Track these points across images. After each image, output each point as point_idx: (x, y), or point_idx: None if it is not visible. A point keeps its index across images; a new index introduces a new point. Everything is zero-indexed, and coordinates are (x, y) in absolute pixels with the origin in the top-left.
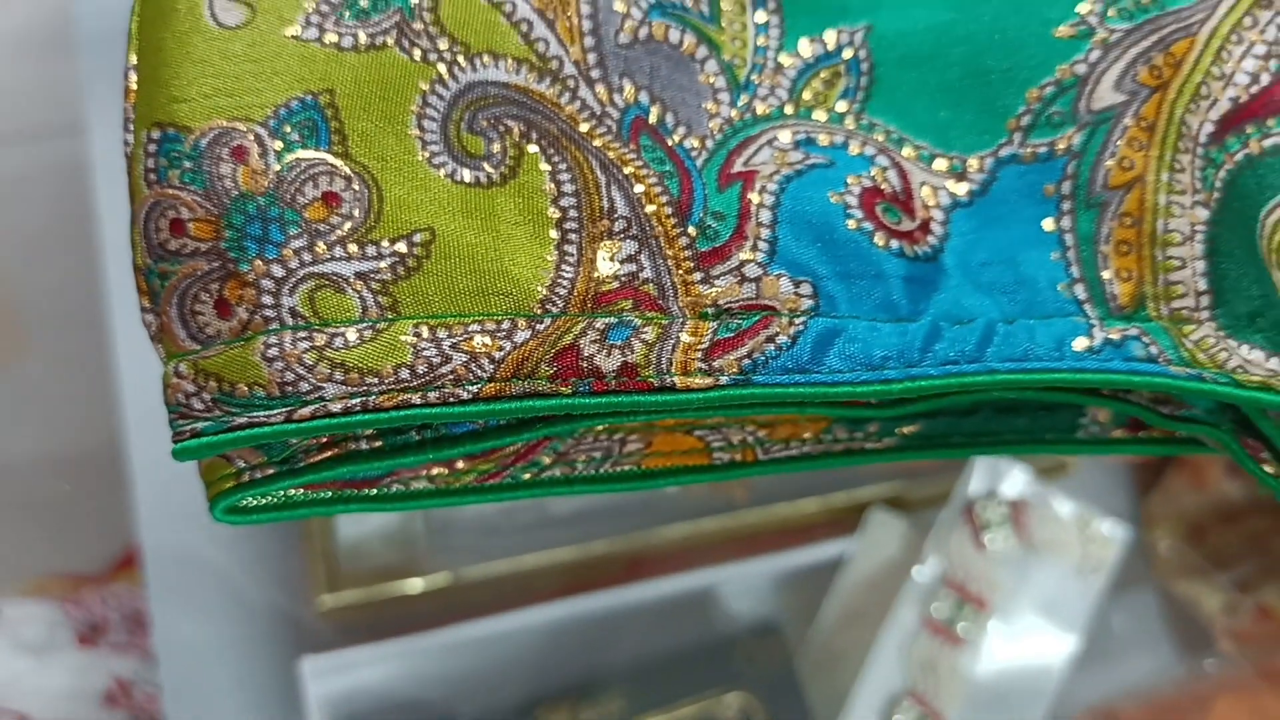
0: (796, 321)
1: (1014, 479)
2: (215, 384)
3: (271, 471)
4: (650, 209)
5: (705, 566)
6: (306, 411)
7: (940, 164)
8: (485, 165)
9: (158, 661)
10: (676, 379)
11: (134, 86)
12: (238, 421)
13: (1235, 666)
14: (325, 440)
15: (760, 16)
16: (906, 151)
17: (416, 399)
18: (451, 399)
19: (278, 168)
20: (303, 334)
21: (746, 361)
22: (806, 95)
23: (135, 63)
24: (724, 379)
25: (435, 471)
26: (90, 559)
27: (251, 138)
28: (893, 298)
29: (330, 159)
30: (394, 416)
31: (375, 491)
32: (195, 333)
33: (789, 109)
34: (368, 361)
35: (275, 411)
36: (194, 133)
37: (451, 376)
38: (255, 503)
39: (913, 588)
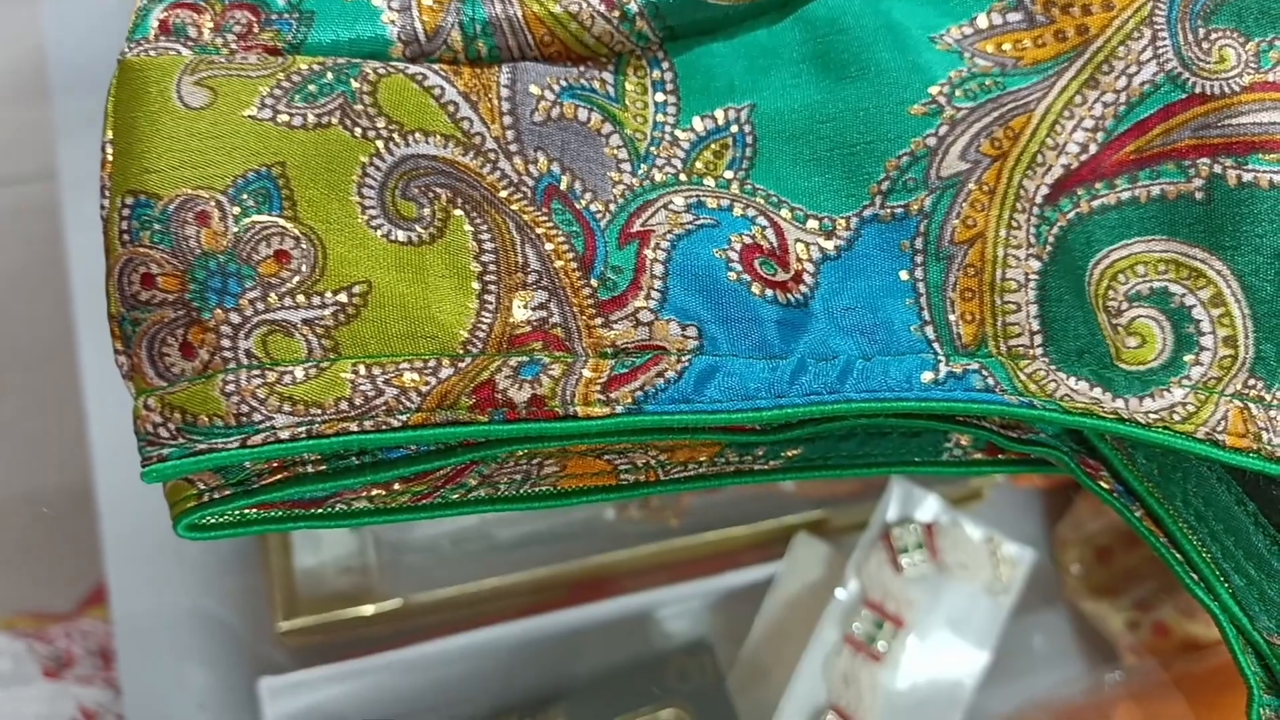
0: (683, 359)
1: (928, 506)
2: (180, 415)
3: (229, 492)
4: (559, 264)
5: (642, 590)
6: (259, 439)
7: (812, 224)
8: (416, 226)
9: (122, 691)
10: (579, 409)
11: (110, 158)
12: (199, 447)
13: (1137, 678)
14: (276, 464)
15: (659, 97)
16: (784, 213)
17: (354, 426)
18: (384, 426)
19: (235, 230)
20: (256, 372)
21: (639, 393)
22: (699, 165)
23: (111, 138)
24: (619, 409)
25: (374, 493)
26: (59, 597)
27: (213, 204)
28: (766, 338)
29: (281, 222)
30: (335, 442)
31: (321, 511)
32: (163, 371)
33: (683, 176)
34: (312, 395)
35: (232, 438)
36: (163, 199)
37: (384, 408)
38: (214, 521)
39: (835, 607)
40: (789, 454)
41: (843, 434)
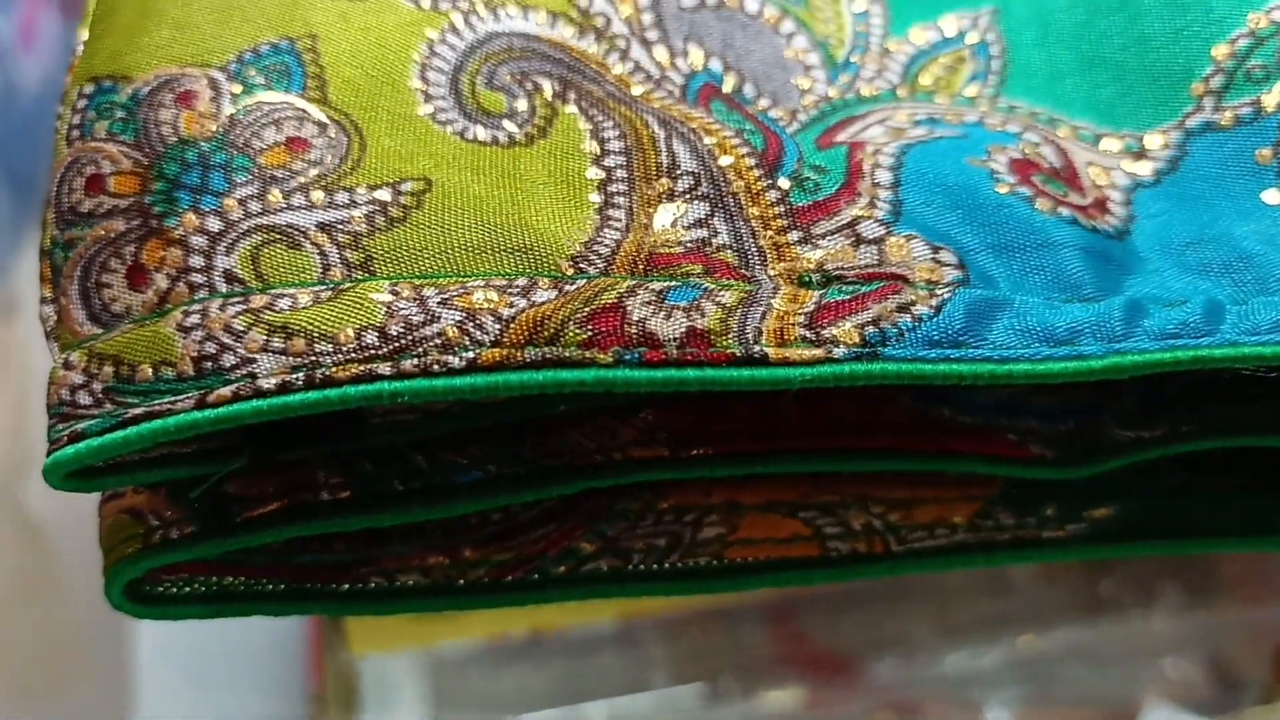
0: (939, 293)
1: None
2: (111, 369)
3: (191, 530)
4: (727, 160)
5: None
6: (227, 391)
7: (1109, 144)
8: (506, 124)
9: None
10: (769, 349)
11: (77, 53)
12: (132, 413)
13: None
14: (271, 487)
15: (857, 6)
16: (1062, 132)
17: (385, 369)
18: (435, 368)
19: (231, 111)
20: (237, 300)
21: (871, 330)
22: (924, 80)
23: (84, 36)
24: (839, 351)
25: (433, 561)
26: None
27: (204, 82)
28: (1068, 271)
29: (301, 103)
30: (350, 394)
31: (346, 588)
32: (98, 311)
33: (902, 92)
34: (321, 324)
35: (185, 395)
36: (135, 82)
37: (438, 341)
38: (175, 588)
39: None
40: (1095, 514)
41: (1179, 486)
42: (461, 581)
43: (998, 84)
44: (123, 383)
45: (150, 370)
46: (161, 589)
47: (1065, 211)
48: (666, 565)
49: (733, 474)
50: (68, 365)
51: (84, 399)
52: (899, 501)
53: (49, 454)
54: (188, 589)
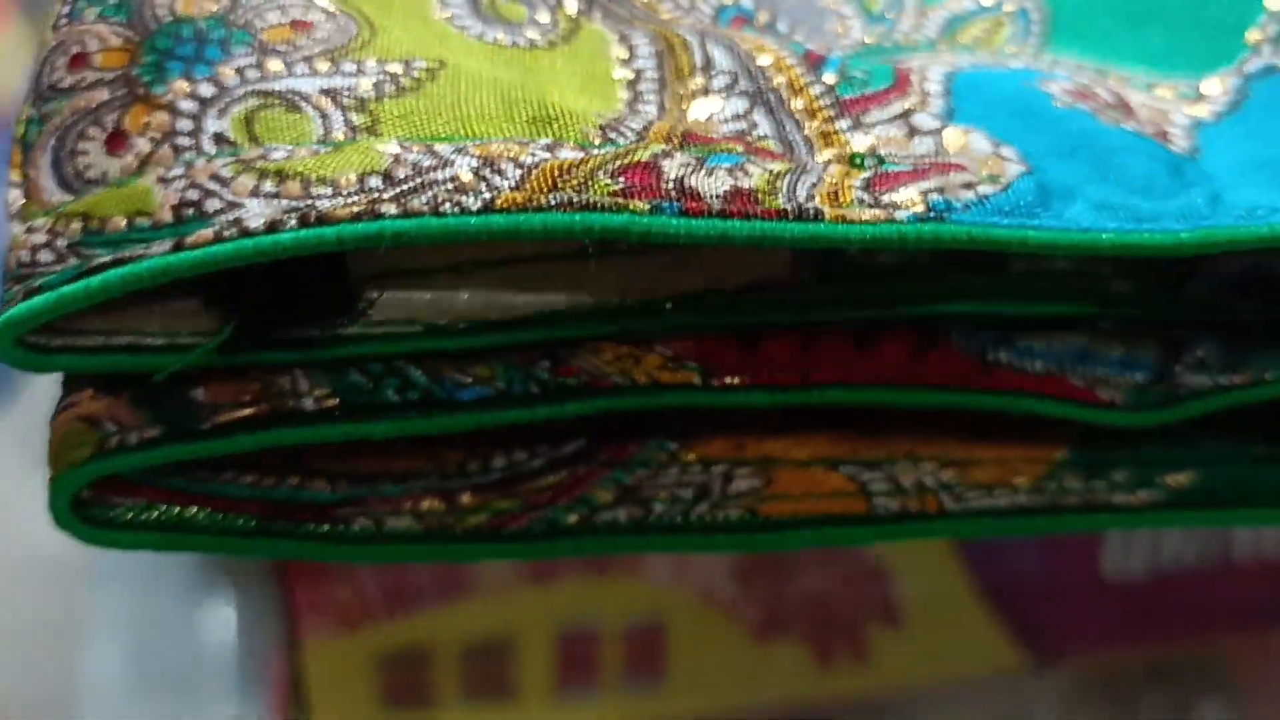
0: (1004, 181)
1: None
2: (80, 225)
3: (153, 434)
4: (765, 60)
5: None
6: (209, 233)
7: (1163, 92)
8: (528, 31)
9: None
10: (825, 208)
11: None
12: (98, 261)
13: None
14: (250, 393)
15: None
16: (1112, 80)
17: (391, 208)
18: (447, 207)
19: None
20: (226, 160)
21: (936, 198)
22: (963, 39)
23: None
24: (901, 214)
25: (427, 506)
26: None
27: None
28: (1144, 174)
29: None
30: (348, 232)
31: (326, 528)
32: (70, 179)
33: (942, 46)
34: (320, 169)
35: (161, 240)
36: None
37: (450, 185)
38: (131, 514)
39: None
40: (1171, 480)
41: (1264, 454)
42: (458, 529)
43: (1039, 44)
44: (91, 236)
45: (124, 221)
46: (113, 514)
47: (1130, 125)
48: (693, 518)
49: (770, 403)
50: (30, 230)
51: (45, 256)
52: (954, 460)
53: None
54: (143, 515)
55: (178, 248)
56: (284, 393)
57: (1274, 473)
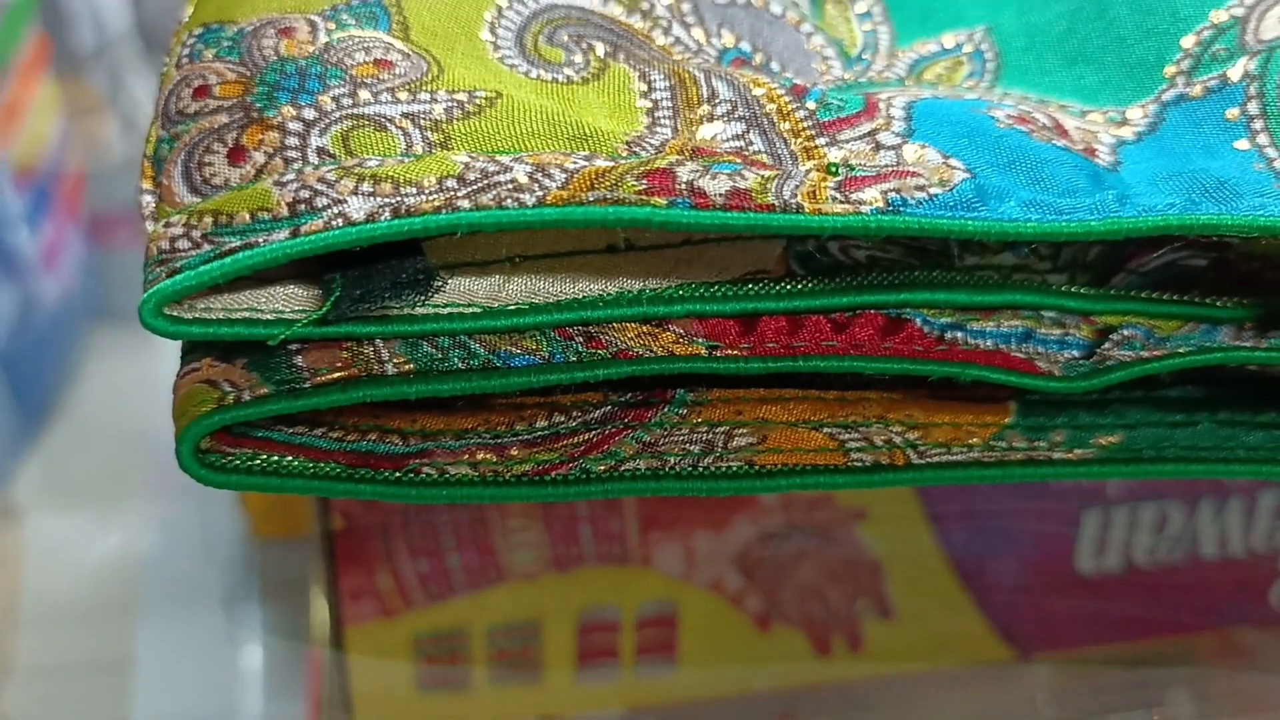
0: (950, 183)
1: None
2: (210, 219)
3: (265, 391)
4: (759, 91)
5: None
6: (318, 223)
7: (1094, 118)
8: (565, 70)
9: None
10: (805, 203)
11: (183, 18)
12: (229, 246)
13: None
14: (340, 360)
15: (866, 26)
16: (1052, 108)
17: (465, 203)
18: (510, 202)
19: (326, 40)
20: (329, 166)
21: (894, 195)
22: (928, 76)
23: (189, 10)
24: (866, 209)
25: (481, 457)
26: None
27: (303, 22)
28: (1068, 179)
29: (387, 38)
30: (432, 222)
31: (398, 474)
32: (199, 185)
33: (909, 82)
34: (406, 173)
35: (280, 229)
36: (239, 23)
37: (511, 185)
38: (240, 461)
39: None
40: (1103, 441)
41: (1183, 417)
42: (508, 476)
43: (992, 80)
44: (221, 227)
45: (248, 215)
46: (226, 461)
47: (1059, 141)
48: (700, 468)
49: (764, 371)
50: (167, 225)
51: (183, 244)
52: (917, 424)
53: (146, 290)
54: (250, 463)
55: (294, 234)
56: (369, 359)
57: (1188, 434)
